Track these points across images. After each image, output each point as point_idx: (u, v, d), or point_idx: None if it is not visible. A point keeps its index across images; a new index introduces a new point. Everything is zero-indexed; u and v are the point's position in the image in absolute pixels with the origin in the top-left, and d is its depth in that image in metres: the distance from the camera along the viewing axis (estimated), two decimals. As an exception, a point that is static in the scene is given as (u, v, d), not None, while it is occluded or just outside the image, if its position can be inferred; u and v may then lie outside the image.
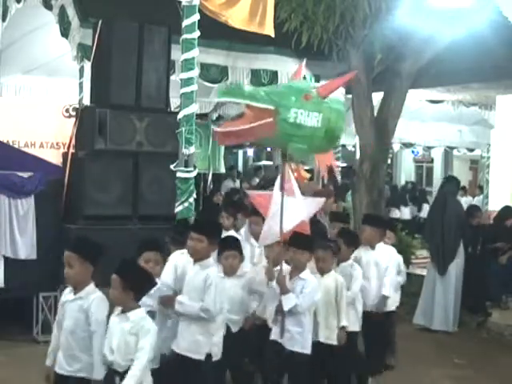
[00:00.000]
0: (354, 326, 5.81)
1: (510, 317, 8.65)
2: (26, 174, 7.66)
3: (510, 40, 9.07)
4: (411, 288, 9.34)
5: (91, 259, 4.34)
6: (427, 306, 8.68)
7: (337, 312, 5.49)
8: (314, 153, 5.19)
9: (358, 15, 8.86)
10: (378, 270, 6.33)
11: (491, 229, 9.46)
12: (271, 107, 4.67)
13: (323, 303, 5.41)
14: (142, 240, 5.09)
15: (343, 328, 5.50)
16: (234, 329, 5.34)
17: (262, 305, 5.40)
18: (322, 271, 5.53)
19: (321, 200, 5.64)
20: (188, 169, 7.58)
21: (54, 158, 8.82)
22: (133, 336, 4.04)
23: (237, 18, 8.20)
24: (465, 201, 15.21)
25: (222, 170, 15.73)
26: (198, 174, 8.85)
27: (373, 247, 6.40)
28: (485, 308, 8.81)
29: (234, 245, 5.44)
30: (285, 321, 5.07)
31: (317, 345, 5.29)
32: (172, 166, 7.58)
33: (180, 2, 7.47)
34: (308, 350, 5.14)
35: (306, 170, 15.77)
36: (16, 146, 9.38)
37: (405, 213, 16.53)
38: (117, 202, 7.67)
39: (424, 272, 9.16)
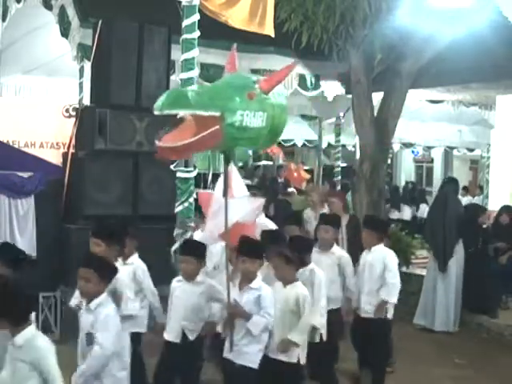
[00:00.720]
0: (313, 337, 5.50)
1: (510, 317, 8.64)
2: (26, 174, 7.66)
3: (510, 40, 9.07)
4: (411, 288, 9.34)
5: (13, 267, 4.27)
6: (428, 306, 8.67)
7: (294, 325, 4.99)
8: (257, 149, 5.03)
9: (358, 15, 8.86)
10: (371, 273, 6.18)
11: (491, 228, 9.45)
12: (217, 114, 4.30)
13: (280, 315, 4.95)
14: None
15: (294, 344, 4.95)
16: (191, 336, 5.13)
17: (221, 312, 5.08)
18: (282, 281, 5.10)
19: (261, 200, 5.30)
20: (188, 169, 7.59)
21: (54, 158, 8.84)
22: (25, 364, 3.66)
23: (237, 18, 8.21)
24: (465, 201, 15.21)
25: (222, 169, 15.73)
26: (198, 173, 8.85)
27: (369, 250, 6.29)
28: (494, 308, 8.76)
29: (188, 249, 5.20)
30: (233, 334, 4.79)
31: (268, 360, 4.90)
32: (172, 166, 7.58)
33: (180, 2, 7.48)
34: (255, 365, 4.79)
35: (305, 170, 15.83)
36: (16, 146, 9.39)
37: (405, 213, 16.51)
38: (117, 202, 7.68)
39: (424, 272, 9.15)
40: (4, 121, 9.55)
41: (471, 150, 20.94)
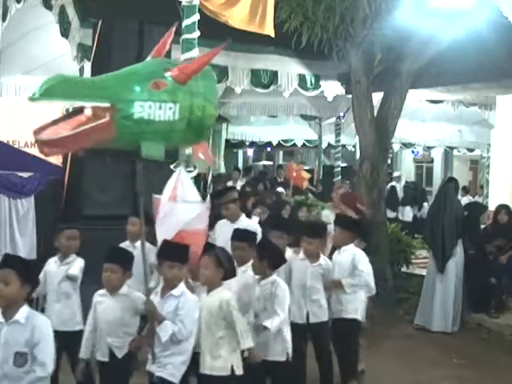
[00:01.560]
0: (281, 355, 5.13)
1: (510, 317, 8.64)
2: (25, 174, 7.66)
3: (510, 40, 9.07)
4: (411, 288, 9.35)
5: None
6: (427, 306, 8.67)
7: (227, 337, 4.61)
8: (179, 147, 4.46)
9: (358, 15, 8.87)
10: (340, 273, 5.98)
11: (489, 228, 9.45)
12: (107, 104, 3.80)
13: (206, 327, 4.60)
14: None
15: (249, 350, 4.66)
16: (119, 354, 4.66)
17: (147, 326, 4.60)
18: (206, 284, 4.72)
19: (207, 206, 4.84)
20: (188, 169, 7.58)
21: (54, 158, 8.82)
22: None
23: (237, 18, 8.22)
24: (464, 201, 15.19)
25: (222, 169, 15.74)
26: (198, 173, 8.83)
27: (339, 250, 6.11)
28: (495, 308, 8.75)
29: (113, 257, 4.72)
30: (154, 346, 4.41)
31: (203, 378, 4.61)
32: (172, 166, 7.57)
33: (180, 2, 7.48)
34: (175, 379, 4.42)
35: (305, 171, 15.82)
36: (16, 146, 9.38)
37: (406, 213, 16.47)
38: (117, 202, 7.67)
39: (424, 272, 9.15)
40: (4, 121, 9.54)
41: (471, 150, 20.95)
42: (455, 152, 22.76)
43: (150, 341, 4.41)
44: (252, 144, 21.10)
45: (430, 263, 8.87)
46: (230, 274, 4.80)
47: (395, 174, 18.42)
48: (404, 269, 9.97)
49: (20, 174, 7.65)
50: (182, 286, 4.46)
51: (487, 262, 8.80)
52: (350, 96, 10.39)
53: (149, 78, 3.93)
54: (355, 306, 6.03)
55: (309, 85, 11.21)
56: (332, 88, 11.63)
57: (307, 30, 9.14)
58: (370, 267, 6.17)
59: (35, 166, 7.91)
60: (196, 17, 7.45)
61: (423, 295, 8.79)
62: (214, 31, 8.33)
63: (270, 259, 5.11)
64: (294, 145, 20.59)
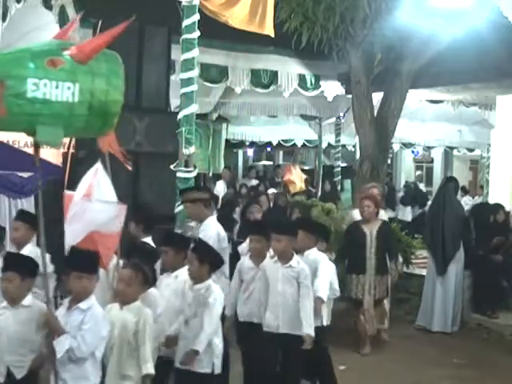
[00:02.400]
0: (207, 367, 4.79)
1: (510, 317, 8.64)
2: (25, 174, 7.65)
3: (510, 40, 9.07)
4: (411, 288, 9.34)
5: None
6: (428, 307, 8.67)
7: (136, 356, 4.26)
8: (84, 136, 4.17)
9: (358, 15, 8.88)
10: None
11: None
12: None
13: (118, 344, 4.25)
14: None
15: (147, 376, 4.26)
16: (19, 374, 4.16)
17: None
18: (124, 298, 4.38)
19: (124, 207, 4.41)
20: (188, 169, 7.58)
21: (54, 158, 8.82)
22: None
23: (237, 18, 8.21)
24: (464, 201, 15.19)
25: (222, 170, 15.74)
26: (198, 173, 8.83)
27: (303, 254, 5.81)
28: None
29: (10, 265, 4.25)
30: (56, 366, 3.97)
31: None
32: (172, 166, 7.57)
33: (180, 2, 7.47)
34: None
35: (302, 170, 15.82)
36: (16, 146, 9.38)
37: (406, 213, 16.47)
38: (116, 202, 7.67)
39: (424, 272, 9.15)
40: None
41: (471, 150, 20.94)
42: (455, 152, 22.74)
43: (51, 358, 3.97)
44: (252, 144, 21.09)
45: (429, 264, 8.86)
46: (151, 285, 4.58)
47: (417, 173, 18.51)
48: (404, 269, 9.96)
49: (20, 173, 7.63)
50: (91, 300, 4.08)
51: (498, 264, 8.76)
52: (350, 96, 10.40)
53: (44, 55, 3.62)
54: (325, 312, 5.90)
55: (309, 85, 11.22)
56: (332, 88, 11.63)
57: (307, 30, 9.14)
58: (334, 269, 6.07)
59: (35, 166, 7.89)
60: (196, 17, 7.45)
61: (424, 296, 8.78)
62: (214, 31, 8.36)
63: (210, 263, 4.81)
64: (294, 145, 20.58)
